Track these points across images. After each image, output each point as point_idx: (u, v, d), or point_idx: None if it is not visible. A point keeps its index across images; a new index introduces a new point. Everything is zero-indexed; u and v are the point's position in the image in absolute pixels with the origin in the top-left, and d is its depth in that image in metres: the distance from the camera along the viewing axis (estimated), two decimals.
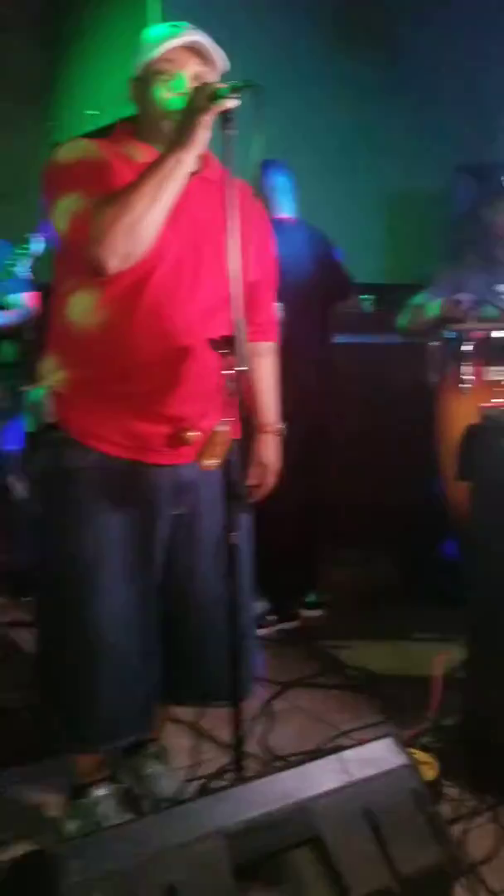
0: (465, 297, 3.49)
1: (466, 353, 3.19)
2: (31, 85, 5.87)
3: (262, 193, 3.68)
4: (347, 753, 1.85)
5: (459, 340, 3.25)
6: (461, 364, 3.22)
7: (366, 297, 4.85)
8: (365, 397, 4.35)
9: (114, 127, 2.20)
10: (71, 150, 2.08)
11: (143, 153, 2.07)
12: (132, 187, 1.91)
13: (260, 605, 3.75)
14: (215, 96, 1.87)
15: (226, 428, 1.95)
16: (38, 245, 3.52)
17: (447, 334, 3.34)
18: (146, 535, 2.15)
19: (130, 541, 2.13)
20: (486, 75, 5.19)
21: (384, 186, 4.99)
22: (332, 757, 1.84)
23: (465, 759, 2.59)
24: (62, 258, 2.10)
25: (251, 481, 2.38)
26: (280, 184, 3.76)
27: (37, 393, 2.17)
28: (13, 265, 3.58)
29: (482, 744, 2.55)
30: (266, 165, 3.70)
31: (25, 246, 3.55)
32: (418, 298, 3.73)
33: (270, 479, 2.43)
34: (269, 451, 2.43)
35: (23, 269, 3.59)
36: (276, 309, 3.48)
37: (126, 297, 2.02)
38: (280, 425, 2.46)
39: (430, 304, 3.64)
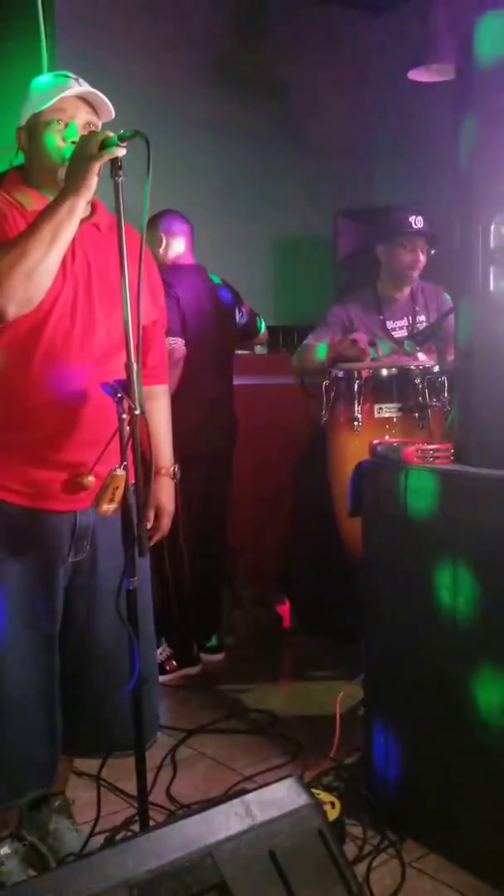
0: (360, 336, 3.58)
1: (355, 392, 3.26)
2: None
3: (164, 240, 3.74)
4: (250, 797, 1.84)
5: (348, 379, 3.31)
6: (350, 402, 3.28)
7: None
8: (258, 438, 4.39)
9: (3, 175, 2.19)
10: None
11: (33, 200, 2.08)
12: (28, 234, 1.91)
13: (161, 651, 3.73)
14: (106, 144, 1.90)
15: (122, 472, 1.95)
16: None
17: (336, 373, 3.41)
18: (47, 583, 2.12)
19: (31, 590, 2.10)
20: (364, 125, 5.39)
21: (271, 231, 5.09)
22: (236, 801, 1.82)
23: (367, 797, 2.61)
24: None
25: (147, 525, 2.37)
26: (181, 230, 3.81)
27: None
28: None
29: (382, 781, 2.58)
30: (166, 213, 3.75)
31: None
32: (309, 339, 3.81)
33: (165, 522, 2.42)
34: (164, 493, 2.42)
35: None
36: (179, 345, 3.54)
37: (21, 343, 2.01)
38: (174, 467, 2.46)
39: (319, 346, 3.72)
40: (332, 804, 2.42)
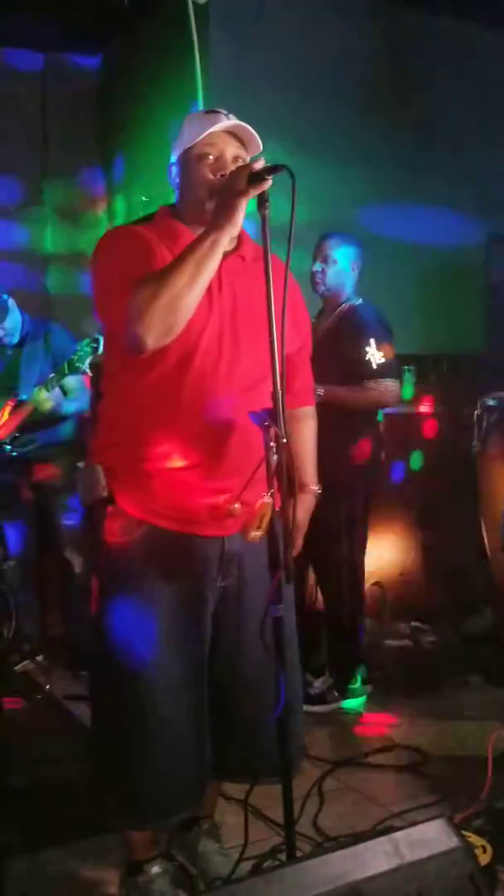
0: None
1: None
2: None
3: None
4: (399, 835, 1.79)
5: (502, 408, 3.23)
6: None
7: (406, 368, 4.88)
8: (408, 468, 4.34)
9: (155, 212, 2.27)
10: (114, 235, 2.20)
11: (181, 235, 2.13)
12: (170, 267, 1.96)
13: (323, 682, 3.70)
14: (254, 178, 1.92)
15: (270, 500, 1.96)
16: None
17: (489, 402, 3.33)
18: (196, 607, 2.16)
19: (182, 614, 2.14)
20: None
21: (420, 257, 5.05)
22: (384, 838, 1.78)
23: None
24: (109, 339, 2.15)
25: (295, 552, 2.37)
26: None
27: (90, 468, 2.20)
28: (79, 361, 3.58)
29: None
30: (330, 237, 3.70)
31: (93, 343, 3.52)
32: None
33: (298, 540, 2.42)
34: (302, 510, 2.43)
35: (85, 365, 3.59)
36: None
37: (171, 374, 2.06)
38: (317, 488, 2.47)
39: None
40: (483, 848, 2.33)
